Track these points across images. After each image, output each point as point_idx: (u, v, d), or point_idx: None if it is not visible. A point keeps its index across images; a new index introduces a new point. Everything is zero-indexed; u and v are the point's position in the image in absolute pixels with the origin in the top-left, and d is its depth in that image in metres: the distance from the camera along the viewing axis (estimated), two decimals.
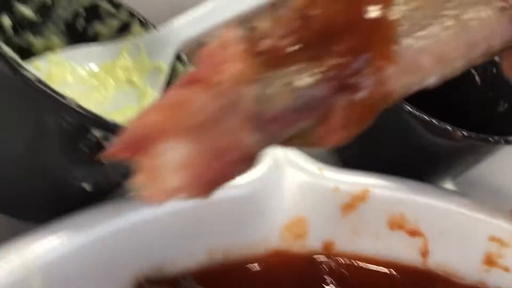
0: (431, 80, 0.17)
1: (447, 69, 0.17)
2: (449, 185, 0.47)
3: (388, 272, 0.38)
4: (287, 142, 0.17)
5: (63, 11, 0.38)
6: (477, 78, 0.46)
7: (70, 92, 0.35)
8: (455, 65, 0.17)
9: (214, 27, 0.40)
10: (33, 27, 0.37)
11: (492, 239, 0.38)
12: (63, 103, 0.25)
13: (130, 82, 0.37)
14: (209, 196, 0.17)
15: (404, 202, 0.38)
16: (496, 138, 0.36)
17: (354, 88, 0.16)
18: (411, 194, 0.38)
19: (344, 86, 0.16)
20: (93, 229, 0.30)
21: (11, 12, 0.35)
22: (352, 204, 0.38)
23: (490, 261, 0.38)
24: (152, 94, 0.37)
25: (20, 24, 0.36)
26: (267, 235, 0.37)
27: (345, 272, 0.37)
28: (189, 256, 0.34)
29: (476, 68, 0.47)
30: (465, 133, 0.36)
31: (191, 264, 0.34)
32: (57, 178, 0.29)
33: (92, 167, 0.29)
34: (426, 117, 0.36)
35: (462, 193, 0.41)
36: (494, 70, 0.46)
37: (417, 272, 0.38)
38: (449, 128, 0.36)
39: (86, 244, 0.29)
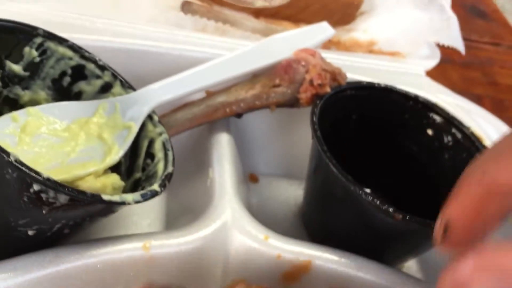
0: None
1: None
2: (412, 268, 0.47)
3: None
4: None
5: (50, 70, 0.42)
6: (448, 162, 0.47)
7: (40, 142, 0.39)
8: None
9: (185, 94, 0.43)
10: (21, 81, 0.41)
11: None
12: (4, 159, 0.28)
13: (100, 137, 0.41)
14: None
15: (348, 277, 0.39)
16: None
17: None
18: (356, 270, 0.39)
19: None
20: (31, 272, 0.32)
21: (2, 69, 0.40)
22: (295, 274, 0.39)
23: None
24: (118, 151, 0.40)
25: (10, 78, 0.41)
26: None
27: None
28: None
29: (448, 151, 0.47)
30: (405, 216, 0.36)
31: None
32: (4, 223, 0.32)
33: (34, 216, 0.32)
34: (371, 198, 0.37)
35: (412, 276, 0.41)
36: (464, 155, 0.46)
37: None
38: (390, 210, 0.37)
39: (23, 285, 0.32)
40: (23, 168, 0.29)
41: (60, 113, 0.41)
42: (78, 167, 0.38)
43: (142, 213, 0.46)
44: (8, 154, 0.29)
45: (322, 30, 0.54)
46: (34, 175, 0.29)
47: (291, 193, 0.53)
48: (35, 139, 0.39)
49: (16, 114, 0.39)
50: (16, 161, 0.29)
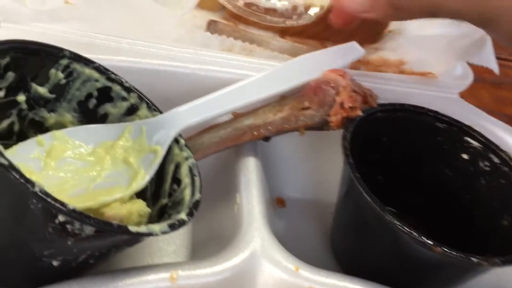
0: None
1: None
2: None
3: None
4: None
5: (76, 92, 0.41)
6: (484, 188, 0.45)
7: (65, 167, 0.38)
8: None
9: (212, 117, 0.42)
10: (47, 103, 0.41)
11: None
12: (29, 189, 0.27)
13: (126, 161, 0.40)
14: None
15: None
16: (479, 257, 0.35)
17: None
18: None
19: None
20: None
21: (28, 91, 0.39)
22: None
23: None
24: (144, 176, 0.39)
25: (35, 101, 0.40)
26: None
27: None
28: None
29: (484, 177, 0.45)
30: (445, 249, 0.35)
31: None
32: (29, 253, 0.31)
33: (59, 247, 0.30)
34: (408, 230, 0.35)
35: None
36: (503, 181, 0.44)
37: None
38: (429, 242, 0.35)
39: None
40: (48, 199, 0.28)
41: (86, 137, 0.40)
42: (104, 193, 0.37)
43: (168, 239, 0.45)
44: (33, 184, 0.28)
45: (352, 50, 0.53)
46: (59, 206, 0.28)
47: (319, 218, 0.51)
48: (61, 164, 0.38)
49: (42, 138, 0.38)
50: (41, 191, 0.28)
